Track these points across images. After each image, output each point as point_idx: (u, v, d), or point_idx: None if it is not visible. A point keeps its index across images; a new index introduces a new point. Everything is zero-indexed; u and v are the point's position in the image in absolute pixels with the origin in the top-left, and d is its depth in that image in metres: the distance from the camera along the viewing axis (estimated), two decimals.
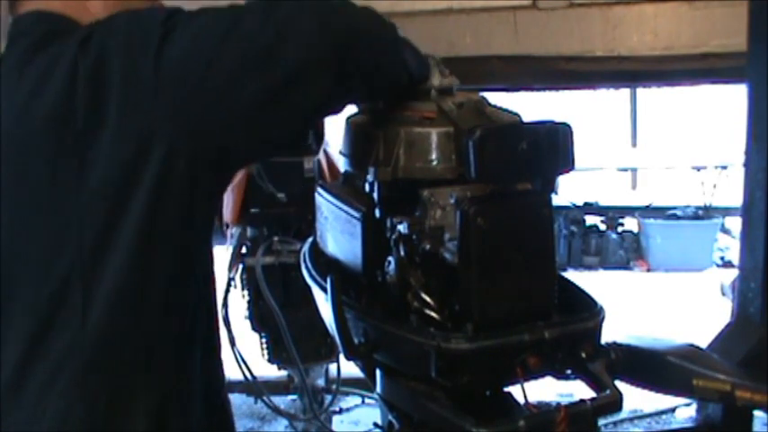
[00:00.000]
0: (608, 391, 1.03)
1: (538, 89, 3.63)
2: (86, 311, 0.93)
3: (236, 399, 3.49)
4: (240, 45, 0.93)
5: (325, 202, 1.19)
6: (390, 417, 1.14)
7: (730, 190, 6.30)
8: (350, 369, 2.73)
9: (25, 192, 0.96)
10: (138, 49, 0.92)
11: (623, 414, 3.72)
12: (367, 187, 1.12)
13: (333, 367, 3.25)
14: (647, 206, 7.27)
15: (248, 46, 0.93)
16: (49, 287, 0.95)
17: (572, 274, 2.90)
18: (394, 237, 1.07)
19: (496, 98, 1.17)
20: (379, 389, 1.17)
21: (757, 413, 1.80)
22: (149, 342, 0.97)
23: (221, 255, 2.76)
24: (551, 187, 1.08)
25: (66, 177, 0.93)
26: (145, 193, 0.92)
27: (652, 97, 9.13)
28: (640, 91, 8.59)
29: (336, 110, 1.08)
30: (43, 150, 0.94)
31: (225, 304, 2.89)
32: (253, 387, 3.12)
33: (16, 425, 0.96)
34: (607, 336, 1.11)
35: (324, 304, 1.11)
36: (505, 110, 1.16)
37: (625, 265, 6.95)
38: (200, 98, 0.92)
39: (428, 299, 1.04)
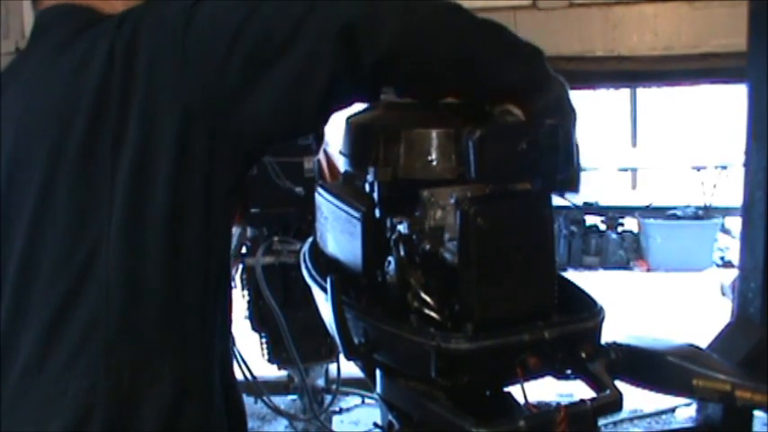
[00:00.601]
0: (608, 391, 1.03)
1: None
2: (111, 285, 0.94)
3: None
4: (258, 31, 0.95)
5: (325, 202, 1.19)
6: (390, 417, 1.14)
7: (730, 190, 6.30)
8: (350, 369, 2.73)
9: (61, 168, 0.97)
10: (165, 31, 0.96)
11: (623, 414, 3.72)
12: (367, 187, 1.12)
13: (333, 367, 3.25)
14: (647, 206, 7.27)
15: (265, 34, 0.95)
16: (76, 259, 0.95)
17: (572, 274, 2.90)
18: (394, 237, 1.07)
19: None
20: (378, 389, 1.17)
21: (757, 413, 1.80)
22: (172, 316, 0.98)
23: None
24: (552, 187, 1.08)
25: (101, 154, 0.96)
26: (167, 168, 0.95)
27: (652, 97, 9.13)
28: (640, 91, 8.59)
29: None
30: (83, 129, 0.96)
31: None
32: (253, 387, 3.11)
33: (35, 405, 0.96)
34: (607, 336, 1.10)
35: (324, 304, 1.11)
36: None
37: (625, 265, 6.96)
38: (219, 81, 0.95)
39: (428, 299, 1.04)
